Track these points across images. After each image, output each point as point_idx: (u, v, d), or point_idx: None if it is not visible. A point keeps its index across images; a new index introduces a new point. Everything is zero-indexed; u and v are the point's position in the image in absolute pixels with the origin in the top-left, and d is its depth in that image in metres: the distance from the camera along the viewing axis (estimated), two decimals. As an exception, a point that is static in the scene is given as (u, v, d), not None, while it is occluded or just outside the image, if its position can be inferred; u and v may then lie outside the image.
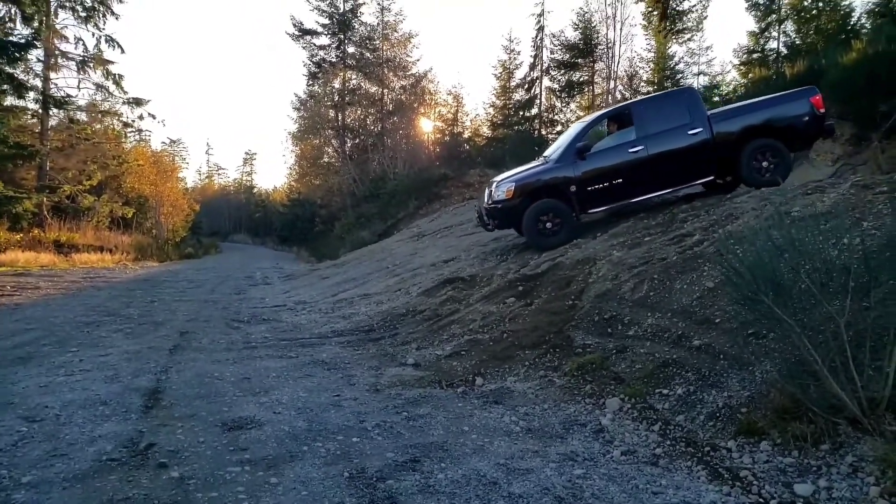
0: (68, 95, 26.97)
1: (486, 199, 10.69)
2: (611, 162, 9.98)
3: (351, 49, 37.18)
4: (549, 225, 9.86)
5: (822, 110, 9.91)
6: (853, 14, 24.51)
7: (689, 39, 30.72)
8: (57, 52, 26.57)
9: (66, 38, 26.78)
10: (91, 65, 27.22)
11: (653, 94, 12.02)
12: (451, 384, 5.46)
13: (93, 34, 27.37)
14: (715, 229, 7.00)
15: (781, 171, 9.49)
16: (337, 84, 37.58)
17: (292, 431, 4.28)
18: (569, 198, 9.92)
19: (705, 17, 30.70)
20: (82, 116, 28.98)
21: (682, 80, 30.00)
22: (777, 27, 27.22)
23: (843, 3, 24.84)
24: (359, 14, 36.81)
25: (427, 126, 37.02)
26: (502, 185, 10.36)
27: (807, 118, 9.85)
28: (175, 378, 5.83)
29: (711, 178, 10.18)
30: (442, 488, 3.33)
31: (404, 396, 5.14)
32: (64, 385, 5.53)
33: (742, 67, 28.86)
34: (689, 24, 30.69)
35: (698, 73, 30.57)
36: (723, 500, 3.09)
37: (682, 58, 30.53)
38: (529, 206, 9.88)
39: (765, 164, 9.59)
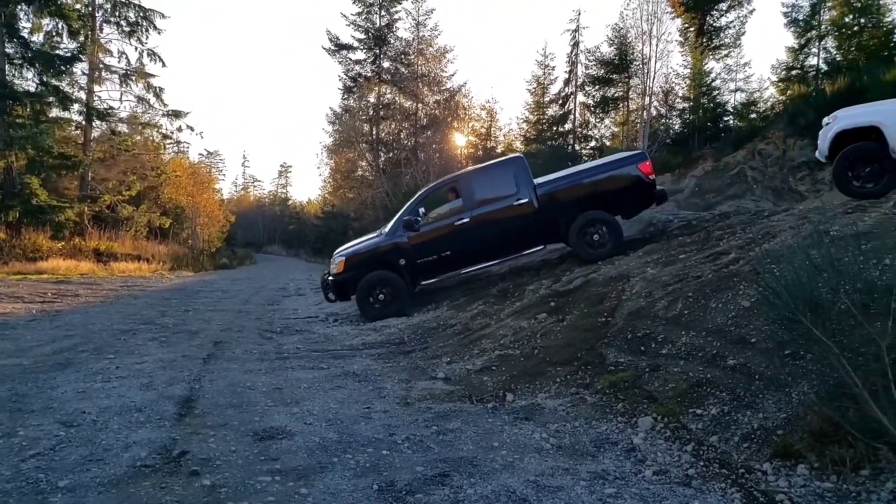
0: (111, 108, 27.74)
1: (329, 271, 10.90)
2: (438, 234, 10.21)
3: (386, 64, 37.52)
4: (381, 297, 10.08)
5: (652, 176, 9.94)
6: (896, 31, 24.10)
7: (726, 55, 30.38)
8: (101, 66, 27.34)
9: (109, 52, 27.57)
10: (133, 78, 27.96)
11: (482, 165, 12.12)
12: (481, 399, 5.44)
13: (135, 48, 28.17)
14: (751, 247, 6.89)
15: (612, 242, 9.50)
16: (372, 98, 37.93)
17: (323, 442, 4.31)
18: (399, 270, 10.11)
19: (743, 34, 30.37)
20: (123, 128, 29.73)
21: (717, 96, 29.70)
22: (817, 43, 26.82)
23: (886, 19, 24.42)
24: (394, 29, 37.17)
25: (460, 140, 37.17)
26: (336, 258, 10.70)
27: (635, 185, 9.91)
28: (208, 387, 5.91)
29: (541, 247, 10.36)
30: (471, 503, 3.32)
31: (434, 410, 5.14)
32: (101, 391, 5.66)
33: (780, 84, 28.49)
34: (727, 41, 30.34)
35: (735, 90, 30.22)
36: (757, 523, 3.03)
37: (719, 74, 30.21)
38: (361, 279, 10.08)
39: (595, 236, 9.64)
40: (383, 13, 36.72)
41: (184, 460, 3.94)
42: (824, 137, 8.57)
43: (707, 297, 5.93)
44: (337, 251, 11.19)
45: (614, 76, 33.17)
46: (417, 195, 11.19)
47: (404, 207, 10.87)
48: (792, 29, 27.53)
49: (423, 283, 10.73)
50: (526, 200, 10.03)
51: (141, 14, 27.80)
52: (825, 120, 8.80)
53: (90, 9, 26.77)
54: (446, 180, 11.33)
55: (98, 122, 27.64)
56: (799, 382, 4.05)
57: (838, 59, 25.55)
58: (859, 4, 24.74)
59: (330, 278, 10.68)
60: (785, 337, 4.16)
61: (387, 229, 10.82)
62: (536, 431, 4.55)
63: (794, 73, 27.70)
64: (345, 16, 36.75)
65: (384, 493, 3.45)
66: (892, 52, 21.82)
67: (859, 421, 3.26)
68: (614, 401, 4.95)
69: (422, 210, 10.56)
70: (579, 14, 33.80)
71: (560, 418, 4.83)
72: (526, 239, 10.16)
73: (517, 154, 11.51)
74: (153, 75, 28.54)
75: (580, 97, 34.82)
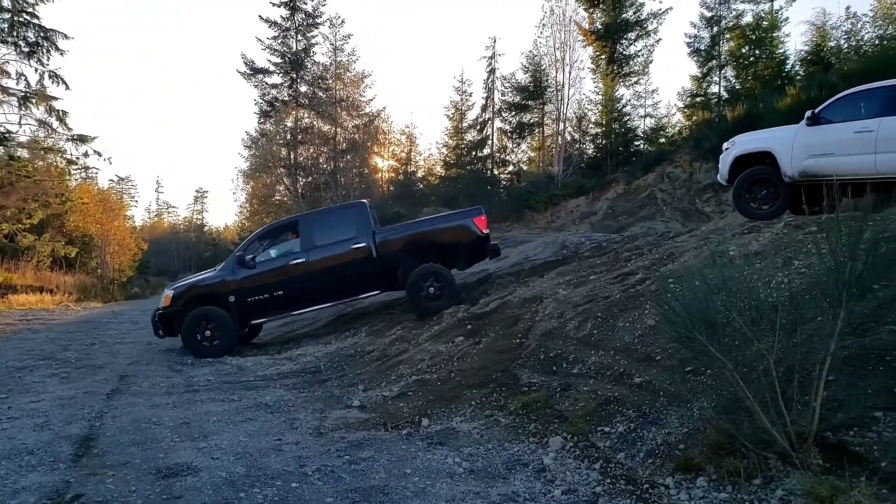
0: (8, 132, 26.26)
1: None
2: (272, 272, 10.28)
3: (303, 88, 37.18)
4: (207, 333, 9.97)
5: (486, 231, 10.35)
6: (788, 61, 25.76)
7: (635, 83, 31.66)
8: (-2, 88, 25.96)
9: (7, 73, 26.15)
10: (34, 101, 26.59)
11: (325, 207, 12.67)
12: (396, 426, 5.41)
13: (36, 70, 26.77)
14: (657, 268, 7.16)
15: (447, 295, 9.81)
16: (289, 122, 37.48)
17: (230, 478, 4.17)
18: (229, 307, 10.11)
19: (651, 62, 31.76)
20: (23, 153, 28.21)
21: (628, 121, 30.89)
22: (718, 72, 28.34)
23: (779, 51, 26.09)
24: (311, 54, 36.92)
25: (381, 165, 37.22)
26: (165, 291, 10.72)
27: (469, 239, 10.28)
28: (110, 424, 5.64)
29: (377, 292, 10.60)
30: (381, 533, 3.28)
31: (348, 439, 5.07)
32: (-10, 434, 5.30)
33: (686, 110, 29.89)
34: (636, 68, 31.65)
35: (645, 116, 31.49)
36: (660, 537, 3.11)
37: (630, 100, 31.43)
38: (188, 314, 10.01)
39: (431, 289, 9.90)
40: (300, 38, 36.46)
41: (78, 504, 3.74)
42: (724, 162, 9.12)
43: (615, 317, 6.12)
44: (168, 285, 11.00)
45: (530, 102, 33.98)
46: (255, 232, 11.28)
47: (241, 244, 10.92)
48: (695, 58, 29.03)
49: (253, 321, 10.63)
50: (363, 245, 10.16)
51: (41, 34, 26.54)
52: (725, 145, 9.39)
53: (-16, 27, 25.45)
54: (287, 220, 11.61)
55: (-6, 147, 26.15)
56: (699, 398, 4.21)
57: (737, 87, 27.10)
58: (754, 37, 26.38)
59: (157, 312, 10.41)
60: (686, 354, 4.33)
61: (221, 265, 10.80)
62: (450, 456, 4.55)
63: (698, 99, 29.13)
64: (260, 40, 36.29)
65: (292, 527, 3.37)
66: (784, 81, 23.26)
67: (752, 433, 3.41)
68: (527, 422, 5.01)
69: (259, 248, 10.60)
70: (495, 41, 34.53)
71: (474, 441, 4.85)
72: (362, 283, 10.26)
73: (361, 200, 11.71)
74: (56, 98, 27.21)
75: (497, 123, 35.50)
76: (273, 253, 10.55)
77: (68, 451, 4.79)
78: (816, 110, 8.22)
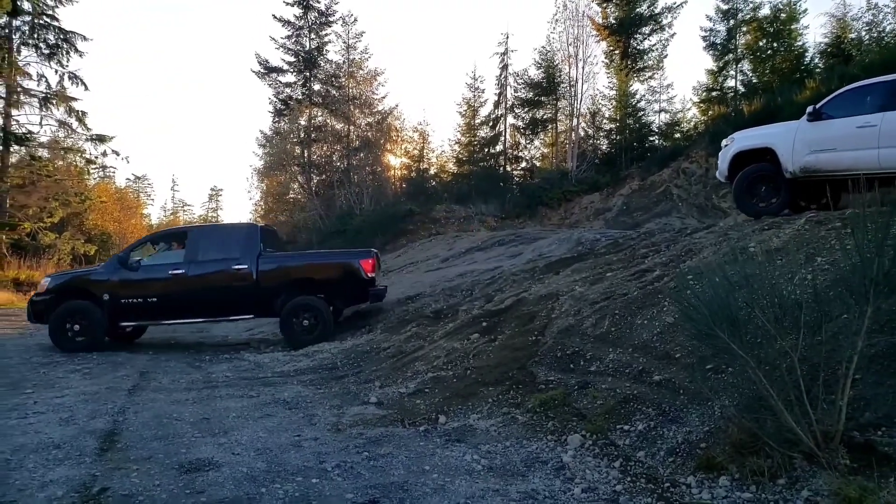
0: (30, 132, 26.55)
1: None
2: (150, 279, 10.22)
3: (317, 87, 37.25)
4: (76, 328, 9.87)
5: (371, 274, 10.33)
6: (806, 54, 25.48)
7: (650, 77, 31.44)
8: (19, 89, 26.20)
9: (28, 75, 26.43)
10: (54, 101, 26.85)
11: (216, 223, 12.63)
12: (413, 423, 5.39)
13: (56, 71, 27.06)
14: (675, 265, 7.10)
15: (320, 330, 9.89)
16: (303, 121, 37.55)
17: (251, 473, 4.18)
18: (102, 305, 10.01)
19: (665, 56, 31.53)
20: (44, 153, 28.50)
21: (643, 116, 30.68)
22: (734, 66, 28.08)
23: (797, 43, 25.80)
24: (324, 52, 36.96)
25: (393, 162, 37.22)
26: (43, 280, 10.61)
27: (353, 279, 10.31)
28: (132, 419, 5.67)
29: (251, 316, 10.60)
30: (401, 531, 3.26)
31: (366, 436, 5.06)
32: (16, 428, 5.35)
33: (702, 105, 29.65)
34: (650, 63, 31.44)
35: (659, 111, 31.27)
36: (683, 537, 3.08)
37: (644, 95, 31.21)
38: (60, 305, 9.92)
39: (305, 321, 9.97)
40: (313, 36, 36.55)
41: (104, 497, 3.76)
42: (724, 159, 9.08)
43: (633, 314, 6.07)
44: (52, 274, 11.05)
45: (543, 98, 33.81)
46: (144, 237, 11.31)
47: (129, 245, 11.01)
48: (710, 52, 28.78)
49: (123, 324, 10.46)
50: (245, 268, 10.14)
51: (61, 36, 26.81)
52: (724, 142, 9.37)
53: (6, 31, 25.65)
54: (176, 229, 11.75)
55: (16, 147, 26.41)
56: (720, 396, 4.17)
57: (754, 81, 26.83)
58: (772, 29, 26.11)
59: (33, 297, 10.39)
60: (706, 352, 4.29)
61: (104, 263, 10.83)
62: (468, 453, 4.53)
63: (713, 94, 28.88)
64: (274, 39, 36.38)
65: (312, 525, 3.37)
66: (802, 74, 23.02)
67: (776, 432, 3.36)
68: (545, 419, 4.98)
69: (145, 251, 10.64)
70: (507, 37, 34.31)
71: (491, 439, 4.83)
72: (237, 305, 10.21)
73: (254, 223, 11.72)
74: (75, 99, 27.46)
75: (510, 119, 35.30)
76: (156, 260, 10.54)
77: (93, 446, 4.83)
78: (817, 106, 8.17)
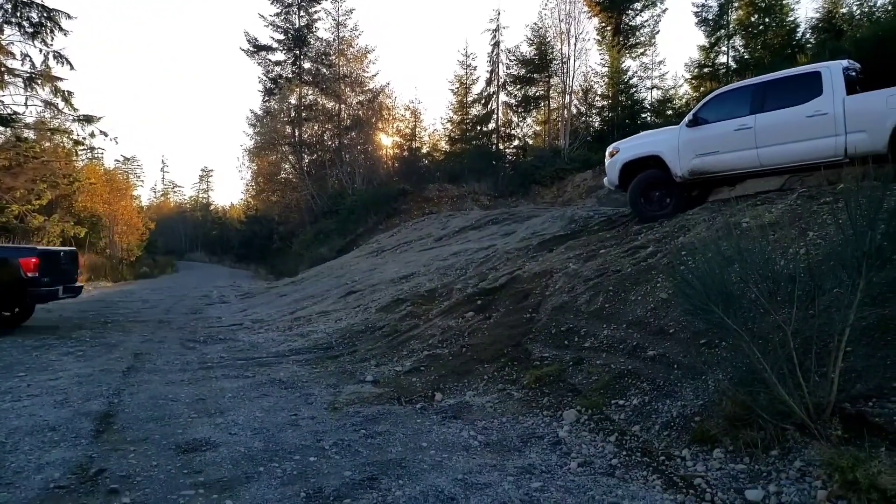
0: (15, 113, 26.19)
1: None
2: None
3: (307, 65, 37.05)
4: None
5: (34, 274, 9.57)
6: (798, 30, 25.37)
7: (642, 54, 31.42)
8: (3, 69, 25.84)
9: (11, 55, 26.01)
10: (39, 81, 26.46)
11: None
12: (409, 400, 5.43)
13: (40, 50, 26.59)
14: (668, 241, 7.12)
15: None
16: (293, 100, 37.37)
17: (248, 452, 4.20)
18: None
19: (657, 32, 31.47)
20: (30, 134, 28.17)
21: (635, 93, 30.61)
22: (726, 42, 27.98)
23: (789, 19, 25.69)
24: (314, 29, 36.74)
25: (385, 141, 37.10)
26: None
27: (8, 278, 9.52)
28: (128, 401, 5.68)
29: None
30: (400, 506, 3.30)
31: (362, 414, 5.09)
32: (10, 411, 5.33)
33: (694, 81, 29.57)
34: (642, 39, 31.39)
35: (651, 87, 31.25)
36: (678, 508, 3.12)
37: (636, 72, 31.21)
38: None
39: None
40: (302, 13, 36.27)
41: (101, 478, 3.77)
42: (612, 168, 9.40)
43: (627, 291, 6.11)
44: None
45: (535, 75, 33.70)
46: None
47: None
48: (702, 28, 28.66)
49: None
50: None
51: (45, 14, 26.35)
52: (609, 150, 9.68)
53: (-13, 10, 25.28)
54: None
55: (1, 129, 26.10)
56: (714, 370, 4.21)
57: (746, 56, 26.72)
58: (763, 4, 25.96)
59: None
60: (700, 326, 4.33)
61: None
62: (465, 429, 4.57)
63: (705, 70, 28.79)
64: (263, 16, 36.12)
65: (312, 500, 3.40)
66: (794, 49, 22.93)
67: (769, 404, 3.40)
68: (540, 395, 5.03)
69: None
70: (499, 14, 34.34)
71: (488, 415, 4.87)
72: None
73: None
74: (61, 78, 27.03)
75: (502, 97, 35.22)
76: None
77: (89, 427, 4.83)
78: (693, 111, 8.63)
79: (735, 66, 26.83)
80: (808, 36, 24.70)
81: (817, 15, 24.99)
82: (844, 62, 7.79)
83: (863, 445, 3.03)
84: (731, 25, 27.64)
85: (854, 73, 7.89)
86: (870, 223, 3.22)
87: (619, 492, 3.36)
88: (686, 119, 8.64)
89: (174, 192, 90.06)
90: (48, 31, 26.58)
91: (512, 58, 34.35)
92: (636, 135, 10.33)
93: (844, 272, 3.37)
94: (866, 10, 22.86)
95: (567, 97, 30.81)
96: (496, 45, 34.48)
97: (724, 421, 3.68)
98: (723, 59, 28.34)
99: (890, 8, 20.98)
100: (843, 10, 23.95)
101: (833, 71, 7.54)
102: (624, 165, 9.14)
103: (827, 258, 3.80)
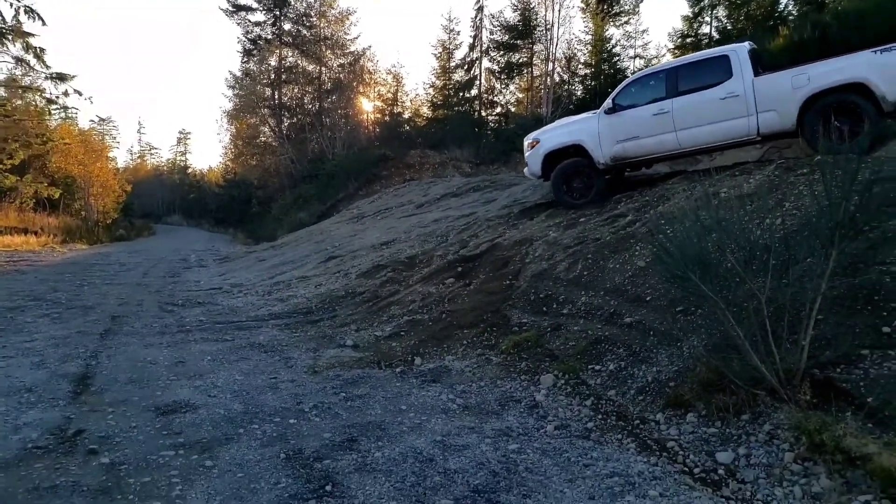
0: (-16, 69, 25.53)
1: None
2: None
3: (287, 26, 36.32)
4: None
5: None
6: (781, 1, 25.31)
7: (625, 23, 31.18)
8: (-30, 23, 25.08)
9: (-21, 9, 25.29)
10: (9, 37, 25.72)
11: None
12: (389, 364, 5.48)
13: (11, 4, 25.81)
14: (647, 210, 7.18)
15: None
16: (273, 62, 36.73)
17: (228, 414, 4.24)
18: None
19: (641, 1, 31.24)
20: (0, 92, 27.51)
21: (618, 62, 30.48)
22: (709, 12, 27.86)
23: (773, -11, 25.61)
24: (295, -11, 35.99)
25: (366, 105, 36.69)
26: None
27: None
28: (106, 363, 5.67)
29: None
30: (379, 466, 3.36)
31: (342, 377, 5.14)
32: (-15, 372, 5.31)
33: (677, 51, 29.41)
34: (626, 8, 31.12)
35: (634, 56, 31.10)
36: (650, 469, 3.21)
37: (619, 41, 30.99)
38: None
39: None
40: (283, -29, 35.47)
41: (80, 439, 3.79)
42: (534, 159, 9.40)
43: (605, 259, 6.17)
44: None
45: (518, 42, 33.35)
46: None
47: None
48: (686, -2, 28.46)
49: None
50: None
51: (15, -33, 25.60)
52: (527, 141, 9.72)
53: (-46, -39, 24.42)
54: None
55: (-30, 86, 25.45)
56: (689, 337, 4.30)
57: (729, 27, 26.64)
58: (747, -25, 25.84)
59: None
60: (677, 294, 4.40)
61: None
62: (443, 393, 4.64)
63: (688, 40, 28.64)
64: (242, -26, 35.26)
65: (291, 461, 3.45)
66: (776, 21, 22.89)
67: (741, 370, 3.49)
68: (518, 360, 5.10)
69: None
70: (484, -23, 33.64)
71: (466, 379, 4.94)
72: None
73: None
74: (32, 34, 26.23)
75: (485, 63, 34.83)
76: None
77: (67, 389, 4.83)
78: (611, 98, 8.73)
79: (718, 37, 26.74)
80: (790, 7, 24.67)
81: (800, -14, 24.94)
82: (747, 44, 8.07)
83: (830, 409, 3.13)
84: (714, -5, 27.51)
85: (759, 55, 8.23)
86: (844, 194, 3.27)
87: (594, 454, 3.44)
88: (604, 106, 8.77)
89: (151, 154, 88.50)
90: (18, -16, 25.76)
91: (496, 23, 33.93)
92: (552, 124, 10.48)
93: (818, 242, 3.44)
94: (849, -18, 22.84)
95: (550, 65, 30.61)
96: (480, 9, 34.03)
97: (697, 386, 3.77)
98: (706, 29, 28.23)
99: (873, -20, 20.99)
100: (827, -18, 23.92)
101: (740, 53, 7.84)
102: (546, 155, 9.21)
103: (802, 228, 3.87)
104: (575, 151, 8.95)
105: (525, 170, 9.92)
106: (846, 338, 3.54)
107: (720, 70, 7.93)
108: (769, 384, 3.38)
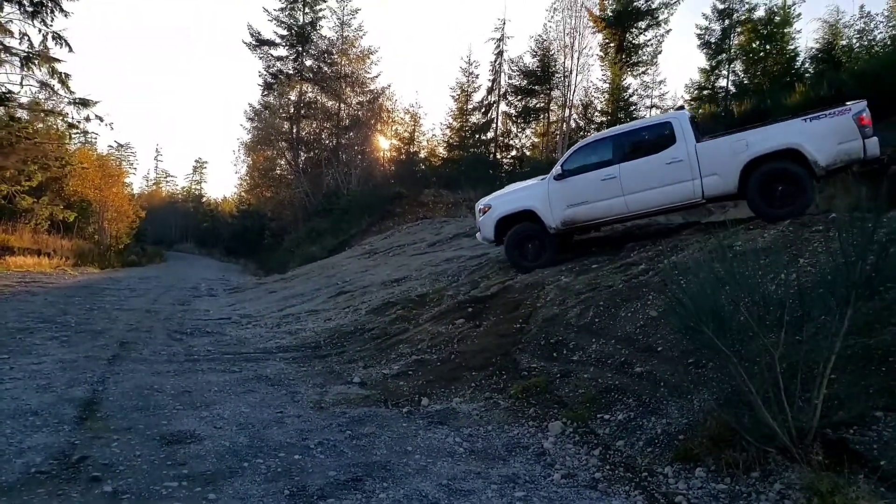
0: (10, 91, 25.99)
1: None
2: None
3: (308, 62, 36.98)
4: None
5: None
6: (798, 58, 25.60)
7: (643, 72, 31.56)
8: (0, 46, 25.66)
9: (10, 33, 25.77)
10: (36, 61, 26.23)
11: None
12: (396, 403, 5.46)
13: (39, 30, 26.35)
14: (660, 260, 7.18)
15: None
16: (293, 96, 37.29)
17: (233, 447, 4.22)
18: None
19: (660, 52, 31.59)
20: (24, 114, 27.95)
21: (634, 111, 30.76)
22: (727, 66, 28.17)
23: (790, 47, 25.92)
24: (318, 27, 36.67)
25: (383, 143, 37.07)
26: None
27: None
28: (112, 389, 5.67)
29: None
30: (384, 508, 3.33)
31: (349, 415, 5.11)
32: (-8, 394, 5.32)
33: (693, 103, 29.72)
34: (644, 58, 31.53)
35: (651, 106, 31.38)
36: (658, 524, 3.16)
37: (636, 90, 31.35)
38: None
39: None
40: (307, 10, 36.22)
41: (83, 466, 3.78)
42: (487, 224, 9.50)
43: (617, 306, 6.15)
44: None
45: (536, 87, 33.77)
46: None
47: None
48: (704, 51, 28.83)
49: None
50: None
51: (46, -6, 26.26)
52: (478, 206, 9.88)
53: (-13, -14, 25.08)
54: None
55: (-5, 107, 25.89)
56: (700, 390, 4.26)
57: (745, 82, 26.92)
58: (765, 32, 26.18)
59: None
60: (689, 346, 4.38)
61: None
62: (450, 436, 4.60)
63: (705, 92, 28.96)
64: (267, 11, 36.04)
65: (295, 498, 3.42)
66: (793, 77, 23.12)
67: (753, 426, 3.45)
68: (526, 406, 5.06)
69: None
70: (504, 23, 34.21)
71: (473, 422, 4.90)
72: None
73: None
74: (59, 60, 26.72)
75: (503, 106, 35.23)
76: None
77: (72, 414, 4.82)
78: (560, 164, 8.97)
79: (734, 91, 27.03)
80: (807, 65, 24.94)
81: (817, 45, 25.23)
82: (688, 112, 8.50)
83: (842, 472, 3.08)
84: (732, 50, 27.84)
85: (696, 122, 8.55)
86: (860, 254, 3.28)
87: (600, 505, 3.40)
88: (553, 172, 8.94)
89: (167, 181, 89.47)
90: (48, 10, 26.32)
91: (514, 68, 34.42)
92: (502, 190, 10.66)
93: (833, 300, 3.43)
94: (865, 43, 23.12)
95: (567, 111, 30.97)
96: (499, 54, 34.57)
97: (707, 440, 3.73)
98: (723, 82, 28.53)
99: (888, 43, 21.23)
100: (843, 43, 24.21)
101: (682, 120, 8.17)
102: (498, 220, 9.31)
103: (816, 285, 3.85)
104: (527, 216, 9.07)
105: (478, 234, 10.03)
106: (860, 398, 3.51)
107: (664, 136, 8.23)
108: (781, 442, 3.34)
